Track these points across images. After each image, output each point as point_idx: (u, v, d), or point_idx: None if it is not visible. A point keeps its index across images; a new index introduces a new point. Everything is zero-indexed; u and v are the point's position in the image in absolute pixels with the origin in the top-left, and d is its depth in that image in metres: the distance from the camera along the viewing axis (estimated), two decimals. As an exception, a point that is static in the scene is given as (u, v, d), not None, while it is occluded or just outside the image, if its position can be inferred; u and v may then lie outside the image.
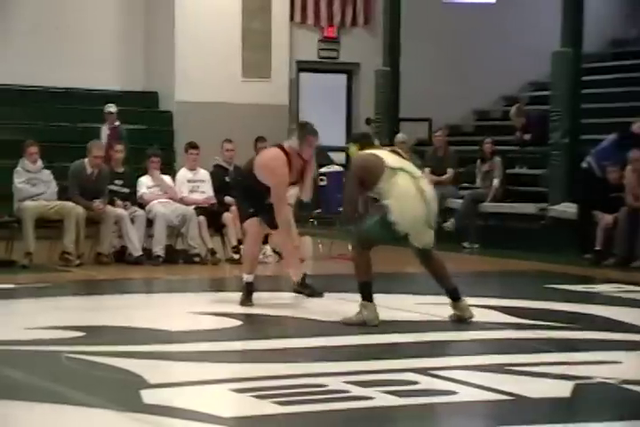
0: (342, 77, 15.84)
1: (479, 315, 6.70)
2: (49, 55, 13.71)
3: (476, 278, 9.51)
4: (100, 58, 14.12)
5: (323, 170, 11.16)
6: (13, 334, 5.98)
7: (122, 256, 9.67)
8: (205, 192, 10.15)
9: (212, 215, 9.93)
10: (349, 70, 15.77)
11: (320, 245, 11.07)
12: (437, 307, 7.08)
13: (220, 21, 14.34)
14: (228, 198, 10.04)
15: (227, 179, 10.16)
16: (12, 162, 9.92)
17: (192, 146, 10.33)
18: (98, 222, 9.57)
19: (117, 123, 12.06)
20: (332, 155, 13.77)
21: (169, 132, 14.20)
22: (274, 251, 9.96)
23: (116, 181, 9.93)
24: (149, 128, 14.17)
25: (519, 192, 11.91)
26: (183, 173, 10.28)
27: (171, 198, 9.97)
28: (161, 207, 9.79)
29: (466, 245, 11.48)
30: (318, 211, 11.00)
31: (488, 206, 11.64)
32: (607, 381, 4.90)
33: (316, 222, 11.07)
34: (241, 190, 7.28)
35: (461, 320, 6.40)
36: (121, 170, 10.08)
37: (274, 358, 5.43)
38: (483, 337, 6.10)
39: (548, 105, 11.70)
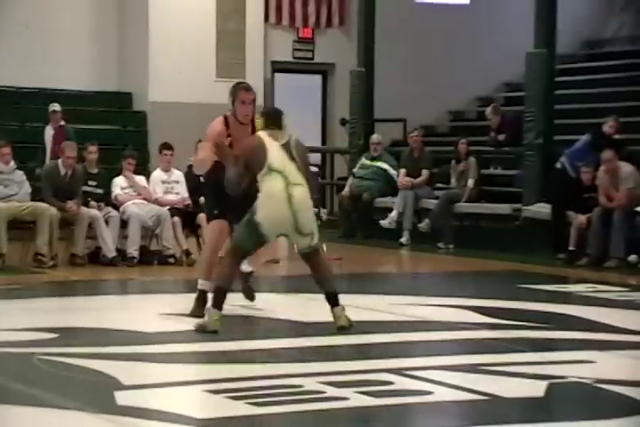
0: (317, 78, 15.85)
1: (454, 315, 6.73)
2: (20, 55, 13.61)
3: (451, 278, 9.54)
4: (73, 58, 14.03)
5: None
6: (-14, 336, 5.93)
7: (96, 257, 9.62)
8: (180, 193, 10.13)
9: (187, 216, 9.90)
10: (324, 71, 15.78)
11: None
12: (411, 307, 7.11)
13: (194, 21, 14.30)
14: (202, 199, 10.00)
15: (201, 179, 10.11)
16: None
17: (166, 147, 10.30)
18: (71, 224, 9.52)
19: (62, 122, 11.70)
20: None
21: (143, 133, 14.15)
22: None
23: (90, 182, 9.89)
24: (123, 129, 14.11)
25: (494, 192, 11.96)
26: (157, 174, 10.25)
27: (145, 199, 9.94)
28: (135, 208, 9.75)
29: (441, 245, 11.51)
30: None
31: (463, 207, 11.68)
32: (581, 380, 4.93)
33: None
34: (206, 189, 6.89)
35: (338, 328, 6.02)
36: (95, 171, 10.03)
37: (249, 358, 5.42)
38: (457, 337, 6.11)
39: (522, 106, 11.75)
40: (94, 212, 9.59)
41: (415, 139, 12.34)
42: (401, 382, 4.83)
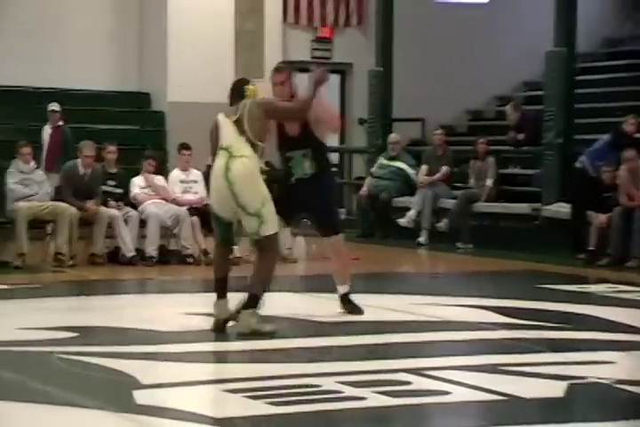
0: (335, 78, 15.83)
1: (472, 315, 6.71)
2: (41, 55, 13.66)
3: (470, 278, 9.51)
4: (92, 58, 14.07)
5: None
6: (5, 334, 5.96)
7: (115, 257, 9.64)
8: (198, 193, 10.14)
9: (205, 216, 9.88)
10: (342, 70, 15.76)
11: (314, 246, 11.06)
12: (430, 307, 7.09)
13: (212, 22, 14.31)
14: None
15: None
16: (4, 163, 9.90)
17: (184, 147, 10.33)
18: (91, 223, 9.55)
19: (61, 123, 11.68)
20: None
21: (161, 133, 14.17)
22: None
23: (109, 182, 9.92)
24: (142, 129, 14.15)
25: (513, 192, 11.91)
26: (176, 174, 10.28)
27: (164, 199, 9.96)
28: (154, 208, 9.78)
29: (459, 245, 11.48)
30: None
31: (481, 206, 11.64)
32: (601, 381, 4.90)
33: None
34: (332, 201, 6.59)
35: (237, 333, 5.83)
36: (114, 171, 10.06)
37: (267, 358, 5.43)
38: (476, 337, 6.09)
39: (541, 105, 11.70)
40: (113, 211, 9.62)
41: (439, 137, 12.33)
42: (419, 383, 4.82)
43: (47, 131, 11.67)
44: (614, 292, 8.09)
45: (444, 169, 12.08)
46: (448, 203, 11.88)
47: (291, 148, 6.37)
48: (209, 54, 14.19)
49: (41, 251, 9.55)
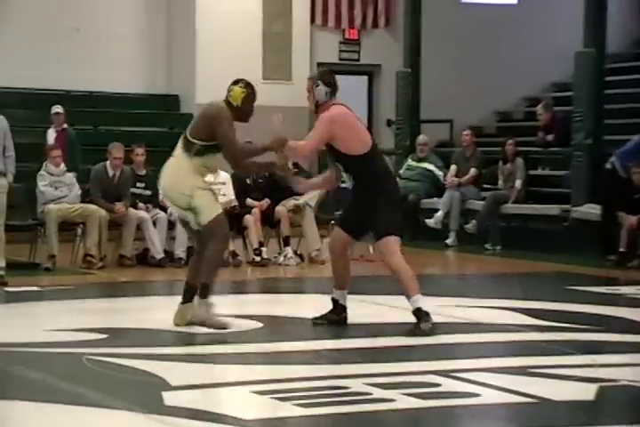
0: (363, 79, 15.82)
1: (501, 317, 6.67)
2: (71, 58, 13.76)
3: (498, 280, 9.47)
4: (121, 61, 14.15)
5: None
6: (36, 336, 6.00)
7: (144, 258, 9.69)
8: (226, 195, 10.16)
9: (234, 218, 9.92)
10: (370, 72, 15.75)
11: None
12: (459, 309, 7.06)
13: (240, 24, 14.36)
14: (249, 201, 10.04)
15: (247, 181, 10.18)
16: (35, 165, 9.98)
17: (213, 148, 10.33)
18: (120, 225, 9.60)
19: (65, 125, 11.60)
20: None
21: (190, 135, 14.21)
22: (295, 253, 9.95)
23: (138, 184, 9.96)
24: (170, 130, 14.20)
25: (542, 193, 11.84)
26: (204, 176, 10.29)
27: (192, 201, 9.98)
28: (182, 210, 9.80)
29: (488, 246, 11.43)
30: (339, 212, 10.96)
31: (510, 208, 11.59)
32: (632, 384, 4.86)
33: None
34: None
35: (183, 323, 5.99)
36: (143, 172, 10.10)
37: (295, 360, 5.43)
38: (505, 339, 6.06)
39: (570, 106, 11.63)
40: (142, 213, 9.67)
41: (467, 137, 12.30)
42: (448, 385, 4.80)
43: (52, 134, 11.60)
44: (645, 294, 8.03)
45: (473, 171, 12.04)
46: (476, 204, 11.84)
47: (331, 157, 6.52)
48: (237, 56, 14.22)
49: (71, 253, 9.62)
